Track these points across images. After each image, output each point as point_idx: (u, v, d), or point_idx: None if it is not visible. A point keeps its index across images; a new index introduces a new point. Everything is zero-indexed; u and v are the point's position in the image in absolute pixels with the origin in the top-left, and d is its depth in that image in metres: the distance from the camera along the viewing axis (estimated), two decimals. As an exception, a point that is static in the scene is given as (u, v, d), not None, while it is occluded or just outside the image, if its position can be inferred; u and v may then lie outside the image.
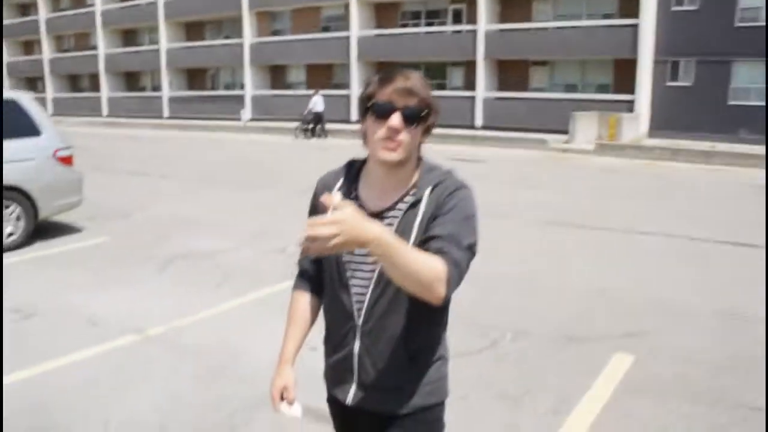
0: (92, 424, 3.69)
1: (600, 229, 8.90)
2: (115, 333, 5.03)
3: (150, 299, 5.93)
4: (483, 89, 25.77)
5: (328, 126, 25.10)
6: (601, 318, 5.42)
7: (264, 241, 8.03)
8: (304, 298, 2.03)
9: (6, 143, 7.62)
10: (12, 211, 7.68)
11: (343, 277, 1.85)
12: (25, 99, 8.12)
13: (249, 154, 19.68)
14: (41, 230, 8.34)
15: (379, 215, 1.79)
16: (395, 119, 1.71)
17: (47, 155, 7.98)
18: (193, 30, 36.21)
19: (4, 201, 7.59)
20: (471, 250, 1.72)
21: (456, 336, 4.89)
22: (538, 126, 22.90)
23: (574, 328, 5.16)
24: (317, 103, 25.04)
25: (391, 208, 1.81)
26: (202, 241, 8.07)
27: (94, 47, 39.75)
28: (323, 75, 30.84)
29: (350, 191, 1.88)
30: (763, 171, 14.57)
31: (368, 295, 1.82)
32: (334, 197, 1.47)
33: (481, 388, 4.12)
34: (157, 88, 37.50)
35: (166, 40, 35.87)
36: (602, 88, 24.12)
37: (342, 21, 29.80)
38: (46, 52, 42.96)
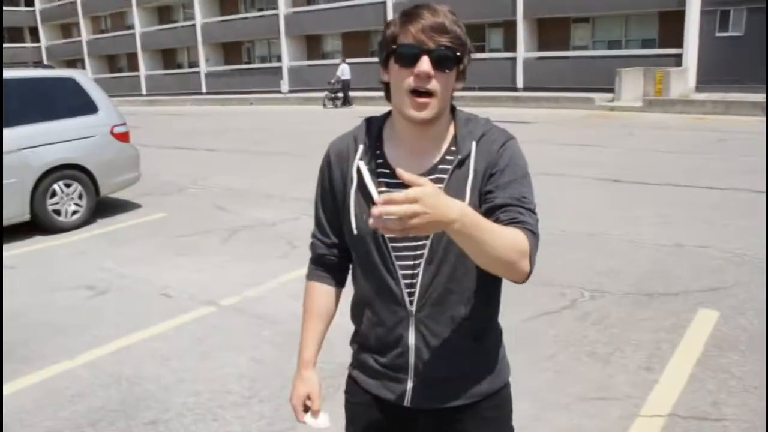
0: (184, 395, 3.72)
1: (660, 185, 8.67)
2: (190, 305, 5.08)
3: (218, 270, 5.98)
4: (523, 49, 25.26)
5: (368, 94, 24.96)
6: (679, 274, 5.27)
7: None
8: (323, 290, 1.75)
9: (65, 122, 7.73)
10: (74, 189, 7.80)
11: (387, 259, 1.55)
12: (82, 77, 8.19)
13: (290, 125, 19.69)
14: (102, 208, 8.47)
15: None
16: (425, 63, 1.41)
17: (105, 132, 8.06)
18: (227, 4, 36.15)
19: (66, 180, 7.71)
20: (536, 211, 1.49)
21: (533, 295, 4.90)
22: (581, 85, 22.38)
23: (653, 285, 5.04)
24: (344, 71, 25.07)
25: (433, 170, 1.53)
26: (261, 212, 8.10)
27: (131, 26, 40.03)
28: (360, 43, 30.54)
29: (374, 156, 1.58)
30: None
31: (420, 276, 1.54)
32: (404, 174, 1.22)
33: (569, 346, 4.06)
34: (193, 64, 37.67)
35: (201, 15, 35.89)
36: (647, 43, 23.41)
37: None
38: (84, 34, 43.44)
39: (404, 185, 1.36)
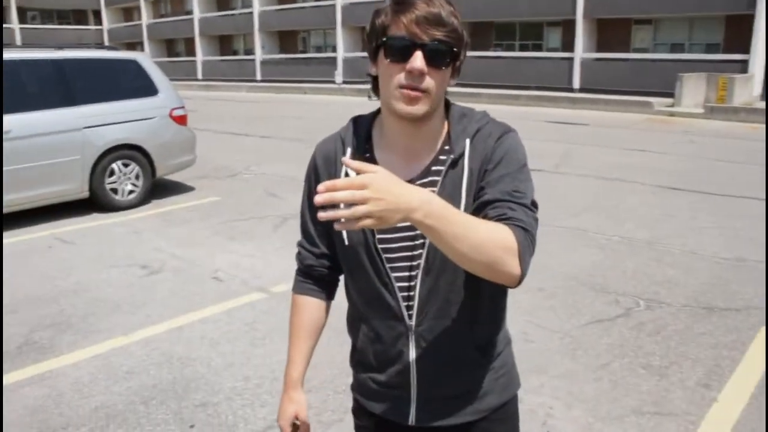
0: (233, 379, 3.75)
1: (722, 195, 8.39)
2: (241, 290, 5.12)
3: (269, 257, 6.01)
4: (581, 50, 24.79)
5: None
6: (741, 289, 5.09)
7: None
8: (311, 304, 1.63)
9: (127, 102, 7.88)
10: (132, 169, 7.95)
11: (381, 270, 1.43)
12: (145, 60, 8.34)
13: (343, 115, 19.70)
14: (157, 189, 8.62)
15: (411, 184, 1.30)
16: (418, 59, 1.27)
17: (164, 114, 8.18)
18: (284, -8, 36.45)
19: (124, 159, 7.86)
20: (535, 206, 1.35)
21: (587, 301, 4.81)
22: (640, 88, 21.85)
23: (713, 299, 4.87)
24: None
25: (426, 173, 1.40)
26: (311, 202, 8.12)
27: (189, 12, 40.64)
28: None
29: (363, 159, 1.40)
30: None
31: (418, 288, 1.42)
32: (351, 162, 1.11)
33: (623, 356, 3.95)
34: (249, 51, 38.06)
35: (258, 3, 36.22)
36: (711, 48, 22.71)
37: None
38: (145, 17, 44.31)
39: None
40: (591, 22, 24.89)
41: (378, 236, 1.41)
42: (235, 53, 40.34)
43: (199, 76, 39.89)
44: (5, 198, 6.91)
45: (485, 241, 1.17)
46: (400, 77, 1.30)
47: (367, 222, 1.06)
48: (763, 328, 4.34)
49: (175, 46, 44.55)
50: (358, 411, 1.67)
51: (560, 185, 8.54)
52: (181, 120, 8.43)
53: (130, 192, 7.99)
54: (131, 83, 8.03)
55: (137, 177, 8.04)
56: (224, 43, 40.88)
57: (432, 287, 1.42)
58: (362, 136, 1.47)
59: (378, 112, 1.48)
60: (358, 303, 1.53)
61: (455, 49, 1.32)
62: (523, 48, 26.97)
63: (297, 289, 1.65)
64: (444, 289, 1.42)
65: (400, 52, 1.29)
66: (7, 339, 4.31)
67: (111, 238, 6.73)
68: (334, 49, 33.40)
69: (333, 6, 32.64)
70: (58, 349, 4.16)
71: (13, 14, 46.02)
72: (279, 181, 9.53)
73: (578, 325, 4.39)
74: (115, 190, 7.84)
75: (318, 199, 1.03)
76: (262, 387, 3.65)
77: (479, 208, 1.33)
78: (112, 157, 7.76)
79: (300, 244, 1.63)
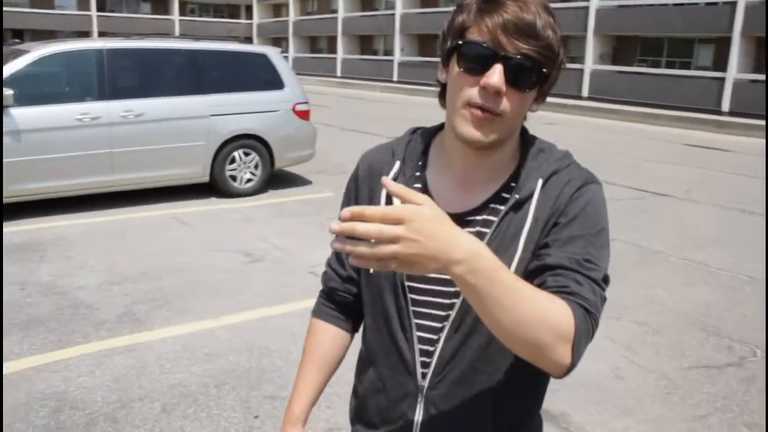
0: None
1: None
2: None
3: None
4: (735, 70, 23.15)
5: (558, 101, 24.32)
6: None
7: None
8: (329, 332, 1.40)
9: (253, 94, 8.17)
10: (252, 158, 8.24)
11: (404, 313, 1.21)
12: (274, 54, 8.60)
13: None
14: (274, 180, 8.88)
15: (460, 219, 1.13)
16: (496, 75, 1.04)
17: (288, 108, 8.41)
18: (428, -4, 36.71)
19: (245, 148, 8.16)
20: (606, 282, 1.11)
21: (695, 343, 4.42)
22: (799, 116, 20.09)
23: (844, 357, 4.34)
24: None
25: (481, 208, 1.17)
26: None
27: (334, 11, 41.84)
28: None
29: (412, 178, 1.23)
30: None
31: (440, 345, 1.19)
32: (391, 184, 0.89)
33: (726, 411, 3.58)
34: (388, 52, 38.63)
35: (401, 5, 36.69)
36: None
37: (581, -10, 28.33)
38: (292, 14, 46.14)
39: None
40: (749, 40, 23.18)
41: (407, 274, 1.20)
42: (374, 53, 41.10)
43: (338, 73, 40.95)
44: (134, 175, 7.39)
45: (536, 318, 0.93)
46: (472, 92, 1.06)
47: (392, 265, 0.85)
48: None
49: (318, 43, 46.05)
50: None
51: (688, 213, 7.97)
52: (304, 115, 8.63)
53: (248, 180, 8.28)
54: (259, 76, 8.33)
55: (256, 166, 8.31)
56: (365, 43, 41.76)
57: (458, 347, 1.18)
58: (417, 152, 1.25)
59: (441, 126, 1.26)
60: (370, 342, 1.31)
61: (545, 70, 1.07)
62: (669, 65, 25.59)
63: (316, 313, 1.44)
64: (472, 352, 1.18)
65: (477, 62, 1.06)
66: (110, 307, 4.57)
67: (223, 223, 7.00)
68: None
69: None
70: (152, 323, 4.35)
71: (175, 7, 49.36)
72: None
73: (680, 368, 4.04)
74: (234, 177, 8.15)
75: (334, 227, 0.82)
76: (331, 387, 3.61)
77: (538, 271, 1.09)
78: (235, 145, 8.07)
79: (328, 263, 1.43)
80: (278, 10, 49.88)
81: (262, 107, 8.23)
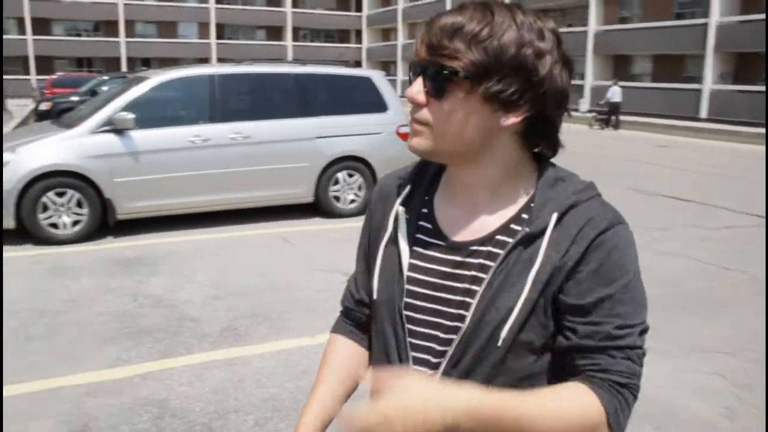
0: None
1: None
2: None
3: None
4: None
5: (641, 119, 23.67)
6: None
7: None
8: (346, 345, 1.33)
9: (357, 117, 8.34)
10: (355, 180, 8.38)
11: (401, 339, 1.14)
12: (378, 77, 8.76)
13: (576, 145, 19.00)
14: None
15: (464, 248, 1.10)
16: (414, 86, 1.04)
17: (391, 131, 8.51)
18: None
19: (349, 170, 8.31)
20: (643, 336, 1.03)
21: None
22: None
23: None
24: (615, 93, 24.35)
25: (486, 240, 1.09)
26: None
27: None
28: (672, 66, 28.55)
29: (420, 203, 1.18)
30: None
31: (439, 377, 1.10)
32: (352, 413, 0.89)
33: None
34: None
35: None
36: None
37: (699, 7, 27.14)
38: (401, 38, 46.89)
39: (446, 248, 1.10)
40: None
41: (407, 300, 1.14)
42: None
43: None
44: (242, 195, 7.70)
45: (560, 430, 0.93)
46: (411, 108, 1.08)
47: None
48: None
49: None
50: None
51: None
52: (407, 137, 8.68)
53: (352, 201, 8.42)
54: (363, 99, 8.49)
55: (359, 188, 8.45)
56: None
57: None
58: (429, 176, 1.21)
59: None
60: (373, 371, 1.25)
61: (450, 72, 0.99)
62: (798, 84, 23.98)
63: (334, 329, 1.39)
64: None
65: (412, 79, 1.06)
66: (214, 321, 4.75)
67: (325, 242, 7.14)
68: (582, 77, 32.49)
69: (584, 33, 31.78)
70: (252, 338, 4.48)
71: (288, 33, 51.36)
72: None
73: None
74: (337, 198, 8.32)
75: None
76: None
77: (566, 352, 1.03)
78: (339, 167, 8.25)
79: (347, 282, 1.40)
80: (387, 34, 50.87)
81: (366, 129, 8.37)
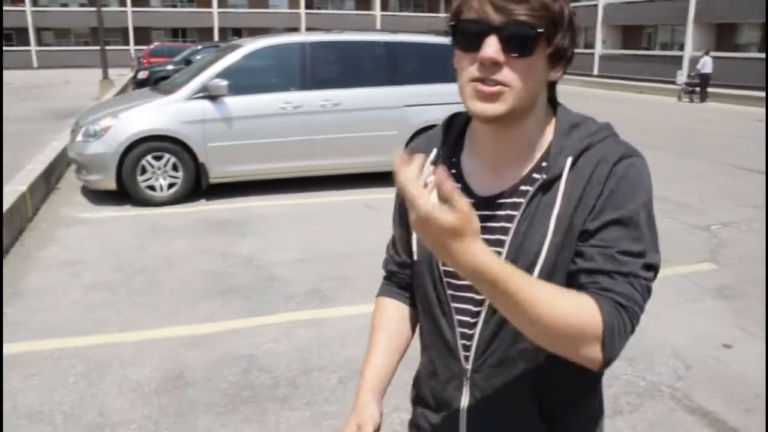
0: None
1: None
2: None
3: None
4: None
5: (732, 92, 22.54)
6: None
7: (687, 214, 7.27)
8: (393, 305, 1.41)
9: (443, 86, 8.24)
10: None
11: (442, 294, 1.21)
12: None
13: (677, 120, 18.22)
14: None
15: (492, 202, 1.15)
16: (489, 46, 1.01)
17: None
18: (634, -15, 34.73)
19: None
20: (653, 270, 1.05)
21: None
22: None
23: None
24: (706, 64, 22.98)
25: (511, 191, 1.14)
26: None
27: (535, 3, 41.12)
28: (780, 36, 26.81)
29: (449, 164, 1.22)
30: None
31: (479, 328, 1.17)
32: (432, 170, 0.87)
33: None
34: (589, 45, 37.14)
35: (605, -4, 35.13)
36: None
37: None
38: (491, 7, 46.04)
39: (476, 204, 1.08)
40: None
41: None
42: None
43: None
44: (330, 162, 7.84)
45: (553, 321, 0.94)
46: (472, 69, 1.05)
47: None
48: None
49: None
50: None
51: None
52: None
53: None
54: (451, 67, 8.39)
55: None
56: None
57: (496, 331, 1.16)
58: (453, 137, 1.25)
59: None
60: (423, 327, 1.32)
61: (540, 30, 1.02)
62: None
63: (379, 293, 1.46)
64: (511, 336, 1.14)
65: (471, 39, 1.04)
66: (300, 283, 4.88)
67: (410, 210, 7.16)
68: (681, 47, 30.99)
69: (686, 0, 30.20)
70: (336, 300, 4.59)
71: (377, 2, 51.25)
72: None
73: None
74: (423, 167, 8.32)
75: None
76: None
77: (573, 276, 1.07)
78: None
79: (387, 249, 1.46)
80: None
81: (454, 98, 8.11)
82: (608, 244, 1.04)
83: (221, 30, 47.81)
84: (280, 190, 7.75)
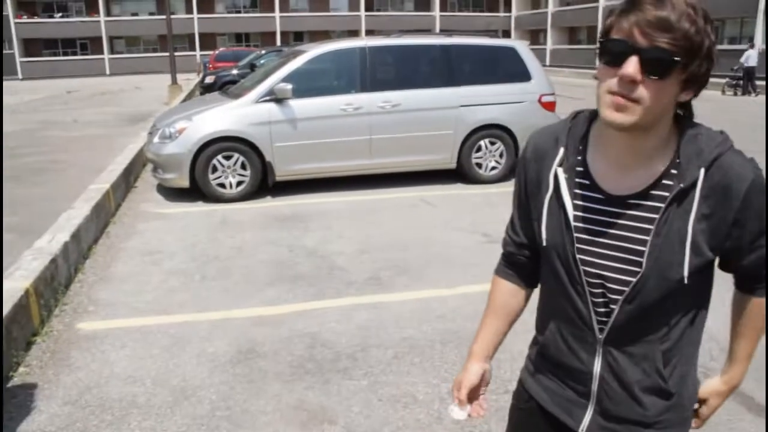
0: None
1: None
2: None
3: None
4: None
5: None
6: None
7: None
8: (506, 287, 1.61)
9: (500, 86, 8.53)
10: (497, 147, 8.60)
11: (576, 278, 1.37)
12: (522, 47, 8.85)
13: (721, 112, 17.83)
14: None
15: (623, 201, 1.32)
16: (630, 65, 1.17)
17: (533, 99, 8.62)
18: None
19: (491, 138, 8.53)
20: None
21: None
22: None
23: None
24: (750, 57, 22.75)
25: (644, 195, 1.30)
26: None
27: (596, 0, 40.52)
28: None
29: (575, 162, 1.38)
30: None
31: (616, 311, 1.35)
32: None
33: None
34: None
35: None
36: None
37: None
38: (551, 5, 45.54)
39: (605, 201, 1.32)
40: None
41: (578, 245, 1.37)
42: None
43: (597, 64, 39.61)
44: (388, 160, 8.20)
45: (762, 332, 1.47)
46: (612, 82, 1.21)
47: None
48: None
49: (577, 34, 44.93)
50: (522, 395, 1.63)
51: None
52: (549, 106, 8.76)
53: (493, 168, 8.65)
54: (507, 68, 8.63)
55: (501, 155, 8.65)
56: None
57: (631, 315, 1.34)
58: (578, 136, 1.39)
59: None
60: (551, 302, 1.48)
61: (677, 59, 1.17)
62: None
63: (496, 272, 1.65)
64: (643, 316, 1.34)
65: (615, 56, 1.20)
66: (360, 271, 5.23)
67: (466, 206, 7.44)
68: (750, 40, 30.09)
69: (755, -7, 29.33)
70: (393, 287, 4.91)
71: (436, 3, 51.41)
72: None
73: None
74: (479, 165, 8.58)
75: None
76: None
77: (742, 278, 1.44)
78: (481, 134, 8.49)
79: (506, 229, 1.62)
80: (537, 1, 49.55)
81: (509, 98, 8.53)
82: (762, 248, 1.34)
83: (283, 34, 48.88)
84: (340, 188, 8.15)
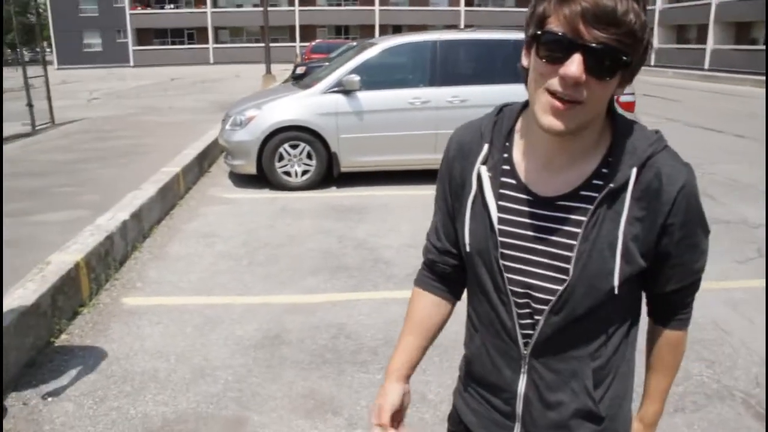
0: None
1: None
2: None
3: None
4: None
5: None
6: None
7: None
8: (427, 299, 1.46)
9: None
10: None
11: (500, 288, 1.25)
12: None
13: None
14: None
15: (552, 203, 1.20)
16: (574, 64, 1.03)
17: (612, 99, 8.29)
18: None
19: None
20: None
21: None
22: None
23: None
24: None
25: (572, 195, 1.18)
26: (751, 210, 7.32)
27: (708, -4, 38.51)
28: None
29: (500, 160, 1.24)
30: None
31: (541, 323, 1.22)
32: None
33: None
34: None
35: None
36: None
37: None
38: (659, 2, 43.61)
39: (532, 202, 1.21)
40: None
41: (502, 251, 1.24)
42: (752, 42, 36.84)
43: (706, 65, 37.70)
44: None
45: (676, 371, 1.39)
46: (552, 81, 1.07)
47: None
48: None
49: (686, 33, 42.86)
50: (453, 418, 1.52)
51: None
52: (627, 106, 8.39)
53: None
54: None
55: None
56: (741, 31, 37.62)
57: (557, 328, 1.23)
58: (503, 132, 1.27)
59: (527, 104, 1.23)
60: (476, 311, 1.36)
61: (625, 57, 1.05)
62: None
63: (416, 282, 1.51)
64: (573, 329, 1.23)
65: (556, 51, 1.05)
66: (403, 266, 5.23)
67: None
68: None
69: None
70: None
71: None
72: (723, 182, 8.77)
73: None
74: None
75: None
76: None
77: (663, 297, 1.30)
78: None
79: (427, 236, 1.48)
80: (644, -1, 47.63)
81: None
82: (692, 263, 1.25)
83: (382, 27, 49.27)
84: (402, 181, 8.14)
